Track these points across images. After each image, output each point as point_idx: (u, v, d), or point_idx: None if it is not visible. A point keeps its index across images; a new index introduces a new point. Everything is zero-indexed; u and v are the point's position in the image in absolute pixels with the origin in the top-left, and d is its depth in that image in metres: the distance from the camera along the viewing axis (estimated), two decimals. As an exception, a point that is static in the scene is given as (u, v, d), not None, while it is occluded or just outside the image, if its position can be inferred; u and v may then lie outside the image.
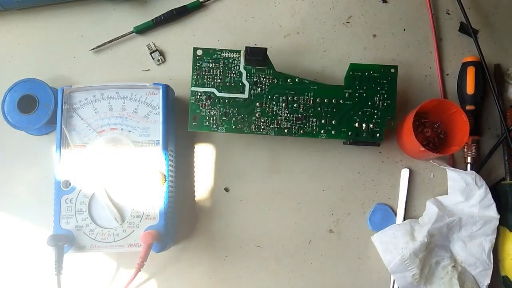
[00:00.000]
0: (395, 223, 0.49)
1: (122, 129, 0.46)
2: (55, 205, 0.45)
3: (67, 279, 0.46)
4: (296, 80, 0.47)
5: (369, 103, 0.46)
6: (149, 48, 0.52)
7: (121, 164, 0.45)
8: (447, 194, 0.49)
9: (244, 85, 0.46)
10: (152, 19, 0.52)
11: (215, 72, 0.46)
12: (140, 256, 0.43)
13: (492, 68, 0.52)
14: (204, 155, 0.51)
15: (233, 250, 0.49)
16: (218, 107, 0.46)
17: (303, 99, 0.46)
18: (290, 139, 0.51)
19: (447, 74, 0.52)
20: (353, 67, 0.47)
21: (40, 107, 0.47)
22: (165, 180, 0.45)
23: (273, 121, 0.46)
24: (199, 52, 0.46)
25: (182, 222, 0.49)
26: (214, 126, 0.46)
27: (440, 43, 0.53)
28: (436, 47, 0.52)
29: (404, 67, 0.52)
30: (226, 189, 0.50)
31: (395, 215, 0.49)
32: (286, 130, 0.46)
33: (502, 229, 0.47)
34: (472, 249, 0.46)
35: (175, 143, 0.49)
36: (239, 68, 0.46)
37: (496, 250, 0.47)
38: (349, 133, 0.46)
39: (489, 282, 0.46)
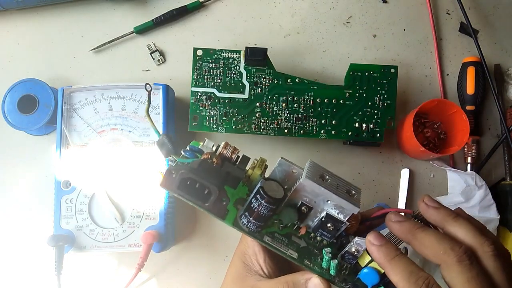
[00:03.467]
0: (395, 223, 0.49)
1: (122, 129, 0.46)
2: (55, 205, 0.45)
3: (67, 279, 0.46)
4: (296, 80, 0.47)
5: (369, 103, 0.47)
6: (149, 48, 0.52)
7: (121, 164, 0.45)
8: (447, 194, 0.49)
9: (244, 85, 0.46)
10: (152, 19, 0.52)
11: (215, 72, 0.46)
12: (140, 256, 0.43)
13: (492, 68, 0.52)
14: (204, 155, 0.51)
15: (233, 250, 0.49)
16: (218, 107, 0.46)
17: (303, 99, 0.46)
18: (290, 139, 0.51)
19: (447, 74, 0.52)
20: (353, 67, 0.47)
21: (40, 107, 0.47)
22: (165, 180, 0.45)
23: (273, 121, 0.46)
24: (199, 52, 0.46)
25: (182, 222, 0.49)
26: (214, 126, 0.46)
27: (440, 43, 0.53)
28: (436, 47, 0.52)
29: (404, 67, 0.52)
30: (226, 189, 0.50)
31: (395, 215, 0.49)
32: (286, 130, 0.46)
33: (502, 229, 0.47)
34: (472, 249, 0.46)
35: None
36: (239, 68, 0.46)
37: (496, 250, 0.47)
38: (349, 133, 0.46)
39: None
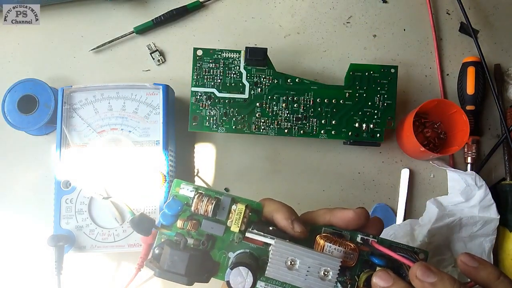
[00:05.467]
0: (395, 223, 0.49)
1: (122, 129, 0.46)
2: (55, 205, 0.45)
3: (67, 279, 0.46)
4: (296, 80, 0.47)
5: (369, 103, 0.47)
6: (149, 48, 0.52)
7: (121, 165, 0.45)
8: (447, 194, 0.49)
9: (244, 85, 0.46)
10: (152, 19, 0.52)
11: (215, 72, 0.46)
12: (140, 256, 0.43)
13: (492, 68, 0.52)
14: (204, 155, 0.51)
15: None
16: (218, 107, 0.46)
17: (303, 99, 0.46)
18: (290, 139, 0.51)
19: (447, 74, 0.52)
20: (353, 67, 0.47)
21: (40, 107, 0.47)
22: (165, 180, 0.45)
23: (273, 121, 0.46)
24: (199, 52, 0.46)
25: (182, 222, 0.49)
26: (214, 126, 0.46)
27: (440, 43, 0.53)
28: (436, 47, 0.52)
29: (404, 67, 0.52)
30: (226, 189, 0.50)
31: (395, 215, 0.49)
32: (286, 130, 0.46)
33: (502, 229, 0.47)
34: (472, 249, 0.46)
35: (175, 143, 0.49)
36: (239, 68, 0.46)
37: (496, 250, 0.47)
38: (349, 133, 0.46)
39: (489, 282, 0.46)
